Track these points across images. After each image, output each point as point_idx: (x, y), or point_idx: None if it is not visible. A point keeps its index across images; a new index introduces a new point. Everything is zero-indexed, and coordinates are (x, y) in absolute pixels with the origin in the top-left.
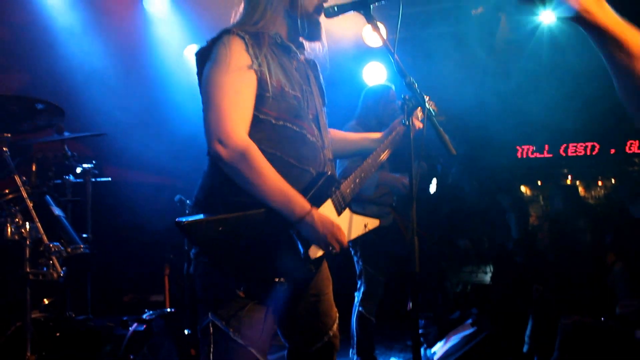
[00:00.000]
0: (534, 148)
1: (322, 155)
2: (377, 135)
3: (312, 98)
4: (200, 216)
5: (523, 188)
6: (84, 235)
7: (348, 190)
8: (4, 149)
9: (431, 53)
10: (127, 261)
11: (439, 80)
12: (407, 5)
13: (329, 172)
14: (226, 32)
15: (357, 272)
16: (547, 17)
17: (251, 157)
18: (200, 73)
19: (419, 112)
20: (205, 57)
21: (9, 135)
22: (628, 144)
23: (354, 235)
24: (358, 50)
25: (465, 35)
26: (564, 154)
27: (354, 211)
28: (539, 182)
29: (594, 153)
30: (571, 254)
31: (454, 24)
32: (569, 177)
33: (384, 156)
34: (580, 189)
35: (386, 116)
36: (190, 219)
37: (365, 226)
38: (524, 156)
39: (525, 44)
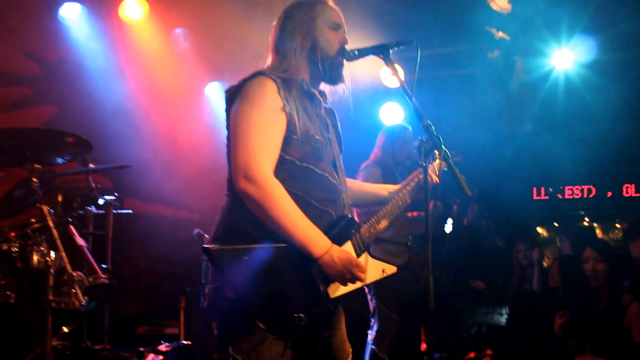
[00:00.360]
0: (551, 189)
1: (341, 198)
2: (393, 187)
3: (331, 144)
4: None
5: (539, 229)
6: (103, 266)
7: (367, 234)
8: (34, 179)
9: (448, 94)
10: (144, 292)
11: (456, 120)
12: (424, 47)
13: (349, 215)
14: (260, 73)
15: (371, 310)
16: (560, 62)
17: (277, 194)
18: (229, 110)
19: (436, 157)
20: (235, 96)
21: (39, 166)
22: None
23: (371, 280)
24: (375, 90)
25: (481, 77)
26: (580, 195)
27: (372, 255)
28: (556, 224)
29: (610, 195)
30: (587, 295)
31: (470, 66)
32: (586, 218)
33: (402, 205)
34: (598, 231)
35: (403, 156)
36: (217, 246)
37: (383, 271)
38: (541, 197)
39: (540, 86)
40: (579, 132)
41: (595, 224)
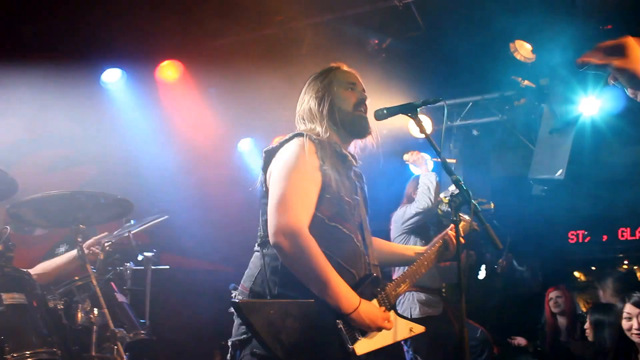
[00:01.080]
0: (586, 233)
1: (363, 260)
2: (420, 248)
3: (359, 207)
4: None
5: (577, 274)
6: (142, 321)
7: (393, 293)
8: (79, 239)
9: (477, 141)
10: (181, 346)
11: (485, 168)
12: (451, 96)
13: (375, 274)
14: (300, 135)
15: None
16: (588, 108)
17: (312, 250)
18: (265, 169)
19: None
20: (274, 155)
21: (84, 227)
22: None
23: (398, 338)
24: (405, 139)
25: (509, 124)
26: (620, 238)
27: (399, 314)
28: (593, 268)
29: None
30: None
31: (498, 114)
32: (626, 261)
33: (427, 265)
34: (639, 274)
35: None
36: (245, 299)
37: (411, 330)
38: (577, 241)
39: (569, 132)
40: (610, 175)
41: (635, 267)
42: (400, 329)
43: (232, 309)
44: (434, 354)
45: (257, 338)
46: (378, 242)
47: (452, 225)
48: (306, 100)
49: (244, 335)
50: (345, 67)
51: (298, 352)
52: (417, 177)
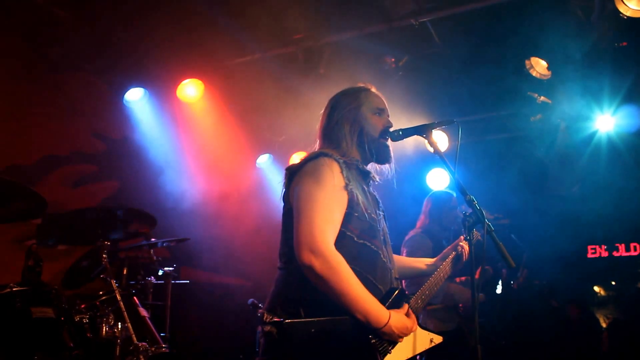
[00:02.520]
0: (606, 247)
1: (390, 274)
2: (430, 260)
3: (382, 221)
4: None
5: (596, 288)
6: (162, 334)
7: (416, 305)
8: (103, 255)
9: (493, 157)
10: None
11: (502, 183)
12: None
13: (400, 287)
14: (325, 154)
15: None
16: (603, 125)
17: (342, 268)
18: (288, 186)
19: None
20: (297, 173)
21: (108, 242)
22: None
23: (420, 349)
24: (422, 156)
25: (525, 140)
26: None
27: (421, 326)
28: (613, 282)
29: None
30: None
31: (514, 130)
32: None
33: (444, 276)
34: None
35: (449, 222)
36: (289, 319)
37: (431, 341)
38: (596, 256)
39: (584, 148)
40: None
41: None
42: (421, 340)
43: (264, 327)
44: None
45: (299, 356)
46: (394, 257)
47: (461, 237)
48: (334, 118)
49: (281, 354)
50: (374, 90)
51: None
52: (434, 194)
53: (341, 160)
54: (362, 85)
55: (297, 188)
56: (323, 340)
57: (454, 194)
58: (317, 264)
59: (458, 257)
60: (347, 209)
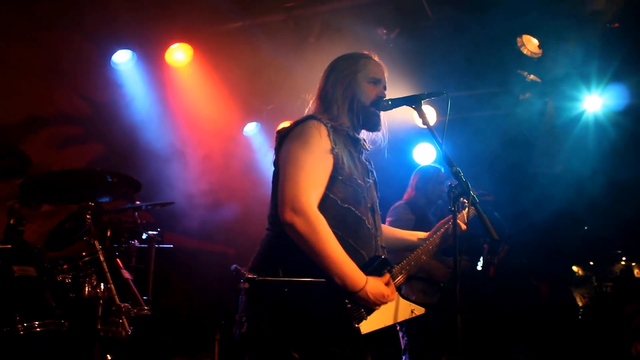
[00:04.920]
0: (587, 227)
1: (374, 241)
2: (423, 234)
3: (370, 189)
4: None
5: (575, 268)
6: (144, 298)
7: (399, 275)
8: (87, 216)
9: (481, 134)
10: (181, 324)
11: (488, 160)
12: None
13: (383, 256)
14: (313, 117)
15: (402, 348)
16: (591, 105)
17: (322, 228)
18: (278, 149)
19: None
20: (287, 136)
21: (92, 204)
22: None
23: (400, 319)
24: (410, 130)
25: (512, 118)
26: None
27: (402, 296)
28: (591, 262)
29: None
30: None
31: (503, 107)
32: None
33: (432, 249)
34: (636, 271)
35: (435, 196)
36: (261, 277)
37: (412, 312)
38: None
39: (571, 128)
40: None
41: (633, 264)
42: (402, 310)
43: (244, 284)
44: (428, 341)
45: (269, 314)
46: (383, 227)
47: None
48: (330, 81)
49: (254, 311)
50: (376, 58)
51: (307, 328)
52: (422, 169)
53: (329, 125)
54: (365, 52)
55: (284, 149)
56: (295, 300)
57: (442, 169)
58: (298, 222)
59: (447, 234)
60: (332, 172)
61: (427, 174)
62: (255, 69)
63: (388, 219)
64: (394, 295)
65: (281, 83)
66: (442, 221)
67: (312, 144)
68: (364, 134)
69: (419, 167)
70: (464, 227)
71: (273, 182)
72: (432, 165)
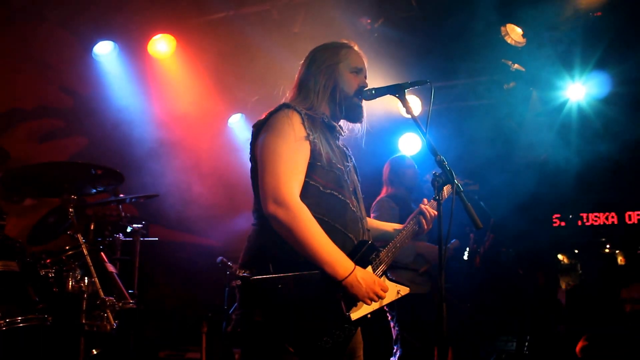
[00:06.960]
0: (572, 216)
1: (361, 224)
2: (398, 226)
3: (351, 173)
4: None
5: (560, 256)
6: (130, 291)
7: (386, 258)
8: (70, 209)
9: (465, 124)
10: (167, 317)
11: (473, 150)
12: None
13: (370, 241)
14: (286, 106)
15: (394, 337)
16: (574, 93)
17: (305, 217)
18: (254, 143)
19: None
20: (262, 128)
21: (75, 197)
22: None
23: (387, 300)
24: (394, 121)
25: (497, 108)
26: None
27: (389, 278)
28: (576, 251)
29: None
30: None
31: (487, 96)
32: (608, 245)
33: (403, 243)
34: (620, 258)
35: (410, 182)
36: (257, 276)
37: (398, 292)
38: (561, 225)
39: (555, 117)
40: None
41: (617, 251)
42: (389, 292)
43: (236, 282)
44: (419, 330)
45: (263, 311)
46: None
47: (424, 200)
48: (311, 71)
49: (248, 308)
50: (356, 48)
51: (301, 321)
52: (389, 161)
53: (303, 112)
54: (345, 41)
55: (259, 142)
56: (288, 295)
57: (407, 155)
58: (280, 213)
59: (419, 223)
60: (310, 159)
61: (395, 163)
62: (239, 60)
63: (372, 215)
64: (385, 292)
65: (265, 74)
66: (413, 213)
67: (287, 133)
68: (342, 123)
69: (390, 159)
70: (434, 212)
71: (252, 177)
72: (398, 154)
